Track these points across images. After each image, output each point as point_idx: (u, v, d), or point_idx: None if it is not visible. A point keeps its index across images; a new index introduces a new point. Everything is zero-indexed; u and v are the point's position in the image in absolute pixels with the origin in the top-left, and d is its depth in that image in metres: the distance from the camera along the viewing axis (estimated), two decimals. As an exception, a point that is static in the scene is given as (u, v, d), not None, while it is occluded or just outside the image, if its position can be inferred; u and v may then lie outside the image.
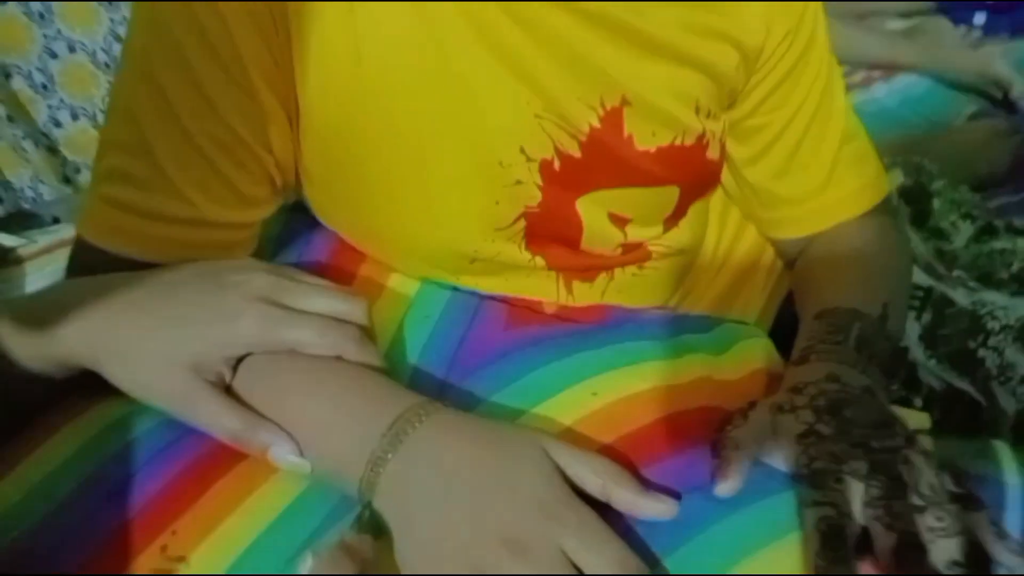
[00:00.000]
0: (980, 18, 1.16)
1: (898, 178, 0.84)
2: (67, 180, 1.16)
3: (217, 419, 0.36)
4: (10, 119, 1.07)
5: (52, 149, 1.14)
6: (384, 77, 0.43)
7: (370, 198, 0.47)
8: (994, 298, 0.58)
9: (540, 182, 0.46)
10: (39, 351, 0.37)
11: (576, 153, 0.46)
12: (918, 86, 1.09)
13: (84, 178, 1.17)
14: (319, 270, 0.44)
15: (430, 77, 0.43)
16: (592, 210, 0.49)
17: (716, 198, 0.60)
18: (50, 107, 1.11)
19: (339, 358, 0.38)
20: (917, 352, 0.56)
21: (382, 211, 0.48)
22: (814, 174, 0.55)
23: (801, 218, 0.56)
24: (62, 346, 0.37)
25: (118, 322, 0.37)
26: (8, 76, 1.06)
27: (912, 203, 0.79)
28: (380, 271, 0.50)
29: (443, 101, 0.43)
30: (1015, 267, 0.65)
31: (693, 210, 0.55)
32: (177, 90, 0.41)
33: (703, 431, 0.38)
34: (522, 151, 0.45)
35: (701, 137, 0.49)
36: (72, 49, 1.09)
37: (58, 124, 1.13)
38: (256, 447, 0.36)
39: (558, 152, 0.46)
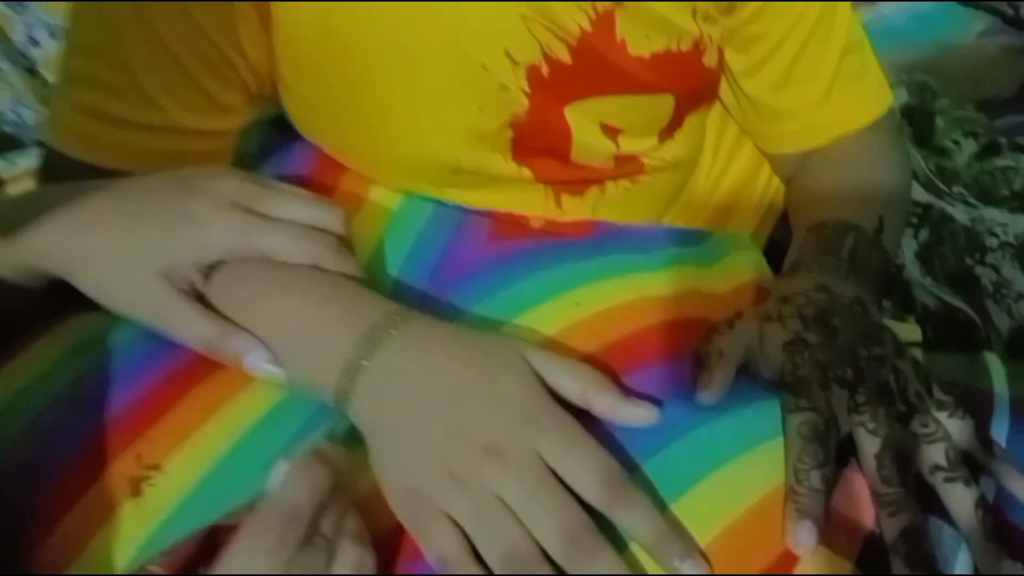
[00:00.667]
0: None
1: (902, 96, 0.81)
2: (48, 102, 1.13)
3: (188, 327, 0.35)
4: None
5: (31, 70, 1.11)
6: None
7: (347, 105, 0.45)
8: (994, 215, 0.57)
9: (527, 88, 0.44)
10: (9, 258, 0.36)
11: (566, 58, 0.44)
12: (927, 3, 1.04)
13: (66, 101, 1.14)
14: (298, 183, 0.43)
15: None
16: (582, 120, 0.47)
17: (713, 113, 0.58)
18: (26, 24, 1.07)
19: (315, 267, 0.37)
20: (913, 270, 0.55)
21: (360, 119, 0.46)
22: (813, 86, 0.52)
23: (799, 132, 0.54)
24: (31, 253, 0.36)
25: (87, 230, 0.36)
26: (-21, -9, 1.02)
27: (915, 122, 0.77)
28: (361, 184, 0.49)
29: (423, 7, 0.41)
30: (1017, 184, 0.63)
31: (689, 122, 0.53)
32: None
33: (688, 341, 0.37)
34: (507, 55, 0.43)
35: (698, 42, 0.47)
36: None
37: (35, 43, 1.09)
38: (230, 355, 0.35)
39: (546, 57, 0.44)
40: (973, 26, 0.99)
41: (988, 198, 0.60)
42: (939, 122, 0.76)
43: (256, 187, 0.38)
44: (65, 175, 0.41)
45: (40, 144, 1.10)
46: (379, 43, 0.42)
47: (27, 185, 0.92)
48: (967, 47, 0.95)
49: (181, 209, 0.36)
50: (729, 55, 0.52)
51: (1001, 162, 0.67)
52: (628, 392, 0.34)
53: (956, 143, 0.72)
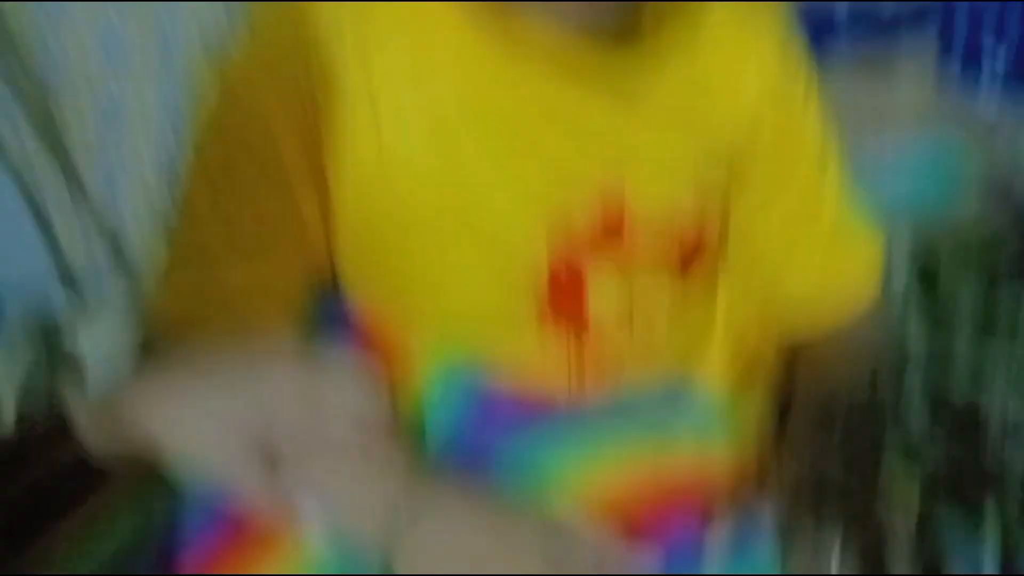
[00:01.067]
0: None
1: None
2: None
3: (250, 484, 0.40)
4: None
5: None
6: (405, 163, 0.48)
7: (391, 274, 0.52)
8: (997, 345, 0.60)
9: (547, 247, 0.50)
10: (109, 426, 0.42)
11: (583, 220, 0.50)
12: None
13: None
14: (346, 338, 0.49)
15: (445, 158, 0.48)
16: (599, 275, 0.53)
17: (725, 275, 0.63)
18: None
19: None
20: (915, 417, 0.58)
21: (400, 282, 0.53)
22: (807, 253, 0.59)
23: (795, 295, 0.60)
24: (125, 418, 0.42)
25: (176, 400, 0.42)
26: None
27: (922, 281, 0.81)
28: (402, 337, 0.55)
29: (458, 178, 0.49)
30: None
31: (700, 277, 0.58)
32: (231, 196, 0.48)
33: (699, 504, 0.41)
34: (530, 216, 0.50)
35: (701, 207, 0.53)
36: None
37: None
38: (285, 515, 0.40)
39: (565, 219, 0.50)
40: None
41: (990, 331, 0.64)
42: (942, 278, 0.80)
43: (303, 370, 0.44)
44: (156, 338, 0.48)
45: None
46: (410, 210, 0.49)
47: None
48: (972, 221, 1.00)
49: (252, 384, 0.42)
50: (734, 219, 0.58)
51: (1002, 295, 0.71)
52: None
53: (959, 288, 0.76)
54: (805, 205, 0.56)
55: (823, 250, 0.58)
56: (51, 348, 0.79)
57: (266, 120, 0.46)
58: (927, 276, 0.76)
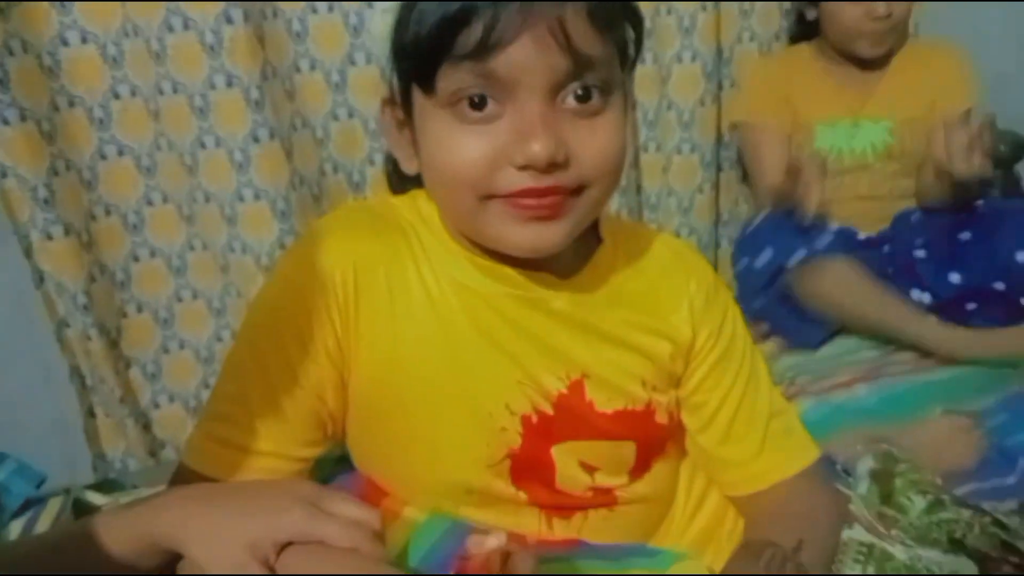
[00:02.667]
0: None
1: (869, 462, 0.95)
2: (152, 454, 1.35)
3: None
4: (121, 401, 1.30)
5: (147, 427, 1.35)
6: (411, 359, 0.61)
7: (390, 440, 0.63)
8: (930, 554, 0.67)
9: (521, 431, 0.61)
10: (137, 533, 0.52)
11: (549, 411, 0.62)
12: (898, 386, 1.23)
13: (167, 454, 1.36)
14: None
15: (442, 359, 0.61)
16: (564, 457, 0.63)
17: (686, 462, 0.73)
18: (154, 391, 1.35)
19: (357, 551, 0.51)
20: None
21: (400, 455, 0.63)
22: (749, 443, 0.68)
23: (744, 479, 0.69)
24: (156, 529, 0.51)
25: (199, 511, 0.52)
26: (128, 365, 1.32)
27: (879, 482, 0.90)
28: (397, 504, 0.64)
29: (450, 374, 0.61)
30: (957, 533, 0.73)
31: (658, 467, 0.68)
32: (271, 359, 0.60)
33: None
34: (507, 407, 0.61)
35: (648, 404, 0.65)
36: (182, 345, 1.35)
37: (157, 406, 1.36)
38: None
39: (535, 409, 0.62)
40: (935, 407, 1.16)
41: (927, 542, 0.70)
42: (898, 483, 0.89)
43: (320, 491, 0.54)
44: (189, 482, 0.59)
45: (135, 486, 1.29)
46: (419, 404, 0.61)
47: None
48: (929, 423, 1.11)
49: (267, 500, 0.52)
50: (685, 417, 0.70)
51: (945, 515, 0.78)
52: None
53: (910, 499, 0.84)
54: (742, 388, 0.67)
55: (761, 424, 0.68)
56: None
57: (309, 305, 0.60)
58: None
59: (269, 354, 0.60)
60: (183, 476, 0.60)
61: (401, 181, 0.67)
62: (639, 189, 1.48)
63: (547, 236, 0.56)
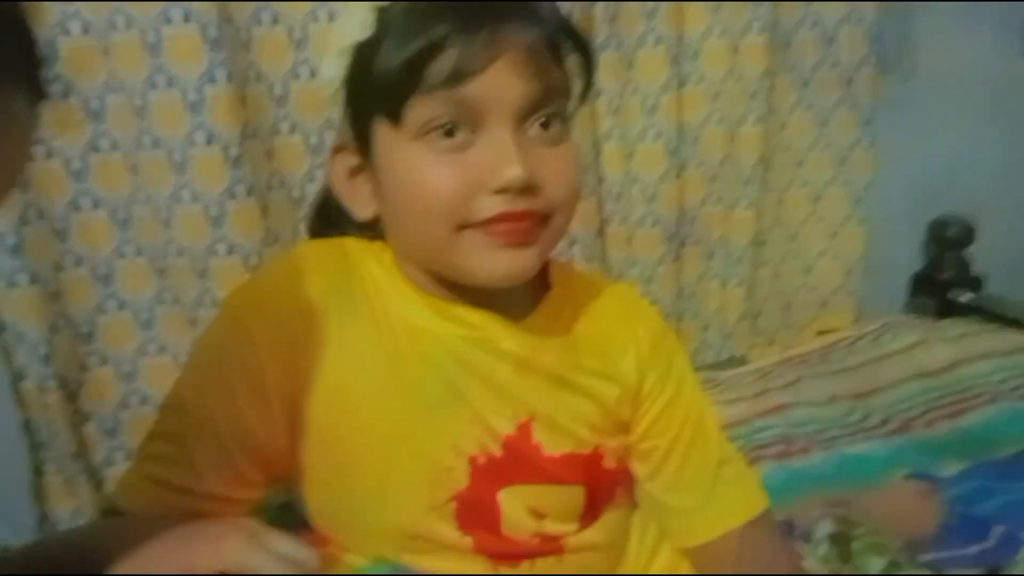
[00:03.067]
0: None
1: (828, 526, 0.95)
2: (105, 514, 1.30)
3: None
4: (74, 457, 1.26)
5: (99, 485, 1.31)
6: (359, 398, 0.61)
7: (336, 487, 0.62)
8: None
9: (468, 470, 0.61)
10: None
11: (498, 452, 0.62)
12: (853, 452, 1.23)
13: (119, 513, 1.31)
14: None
15: (390, 398, 0.61)
16: (511, 501, 0.62)
17: (638, 514, 0.72)
18: (110, 447, 1.31)
19: None
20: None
21: (345, 497, 0.62)
22: (699, 490, 0.68)
23: (694, 527, 0.68)
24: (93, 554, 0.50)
25: (143, 545, 0.51)
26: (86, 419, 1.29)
27: (838, 544, 0.89)
28: (339, 551, 0.62)
29: (400, 414, 0.61)
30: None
31: (609, 515, 0.67)
32: (213, 398, 0.59)
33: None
34: (454, 447, 0.61)
35: (596, 449, 0.65)
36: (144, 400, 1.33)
37: (111, 463, 1.32)
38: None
39: (483, 450, 0.61)
40: (896, 472, 1.16)
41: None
42: (856, 545, 0.88)
43: (262, 526, 0.53)
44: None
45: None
46: (362, 436, 0.60)
47: None
48: (889, 488, 1.11)
49: (207, 532, 0.51)
50: (635, 465, 0.70)
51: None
52: None
53: (868, 561, 0.83)
54: (691, 434, 0.67)
55: (711, 470, 0.67)
56: None
57: (256, 343, 0.59)
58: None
59: (211, 393, 0.59)
60: (113, 512, 0.59)
61: (323, 227, 0.68)
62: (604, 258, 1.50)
63: (520, 262, 0.57)
